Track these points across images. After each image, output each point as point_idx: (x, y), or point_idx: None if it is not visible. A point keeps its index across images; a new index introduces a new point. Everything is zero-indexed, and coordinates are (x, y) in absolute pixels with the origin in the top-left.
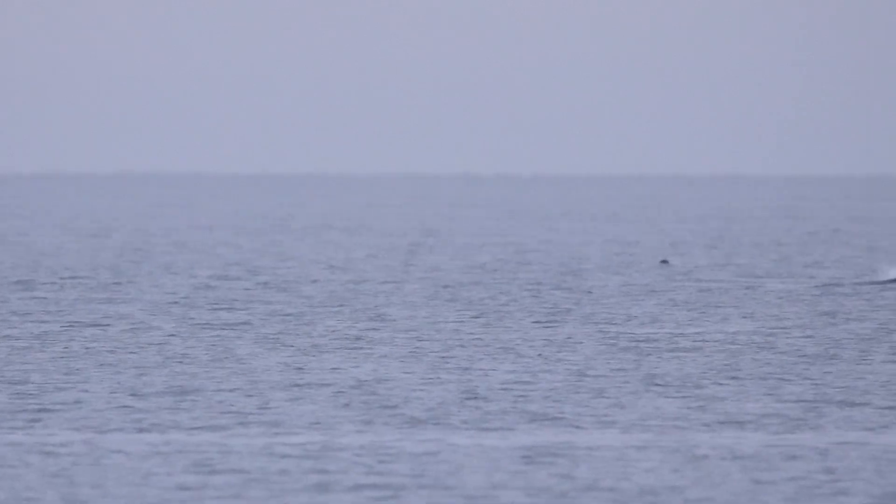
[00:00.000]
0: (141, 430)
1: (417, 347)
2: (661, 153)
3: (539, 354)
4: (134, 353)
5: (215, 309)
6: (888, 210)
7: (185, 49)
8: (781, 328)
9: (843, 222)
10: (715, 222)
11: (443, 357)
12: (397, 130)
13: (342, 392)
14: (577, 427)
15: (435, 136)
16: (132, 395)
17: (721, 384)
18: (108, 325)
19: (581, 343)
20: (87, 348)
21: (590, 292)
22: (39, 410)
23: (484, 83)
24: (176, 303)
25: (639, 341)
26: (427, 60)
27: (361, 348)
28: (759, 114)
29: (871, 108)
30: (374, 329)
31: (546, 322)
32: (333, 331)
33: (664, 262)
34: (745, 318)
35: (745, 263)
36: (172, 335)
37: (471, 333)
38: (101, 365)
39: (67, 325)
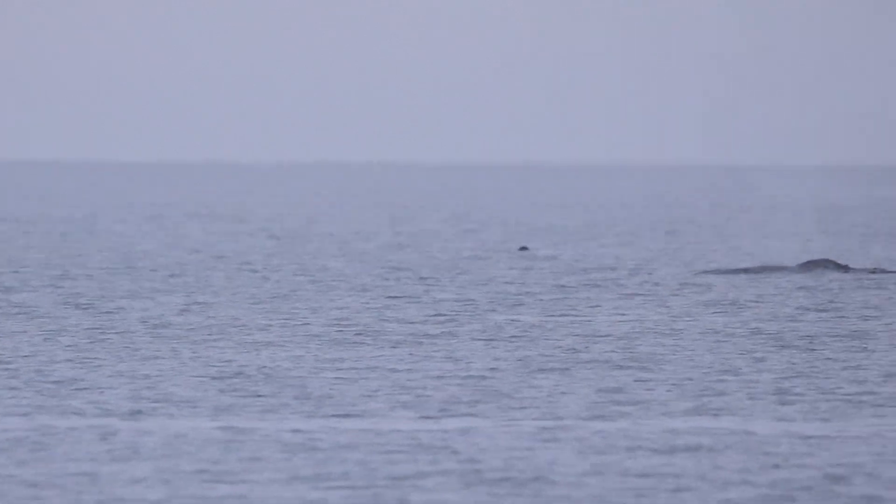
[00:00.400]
0: (21, 416)
1: (299, 335)
2: (544, 142)
3: (419, 342)
4: (17, 340)
5: (102, 297)
6: (755, 198)
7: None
8: (663, 315)
9: (707, 210)
10: (581, 211)
11: (323, 345)
12: (314, 119)
13: (227, 379)
14: (470, 415)
15: (343, 125)
16: (13, 382)
17: (611, 371)
18: None
19: (460, 330)
20: None
21: (462, 279)
22: None
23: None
24: (60, 287)
25: (519, 328)
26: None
27: (248, 335)
28: (643, 104)
29: (758, 99)
30: (258, 315)
31: (425, 311)
32: (213, 317)
33: (524, 248)
34: (624, 304)
35: (612, 252)
36: (57, 323)
37: (350, 321)
38: None
39: None
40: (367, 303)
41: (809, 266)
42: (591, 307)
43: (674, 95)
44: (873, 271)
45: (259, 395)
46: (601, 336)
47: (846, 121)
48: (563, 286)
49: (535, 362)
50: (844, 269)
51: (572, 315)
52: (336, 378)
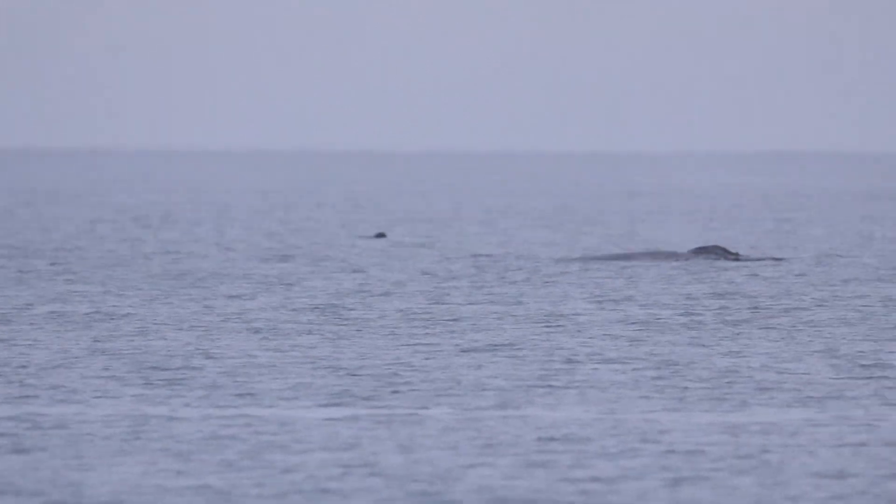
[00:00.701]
0: None
1: (171, 323)
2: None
3: (258, 330)
4: None
5: None
6: (627, 185)
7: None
8: (537, 301)
9: (569, 199)
10: (440, 197)
11: (173, 333)
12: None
13: (105, 366)
14: (342, 405)
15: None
16: None
17: (483, 360)
18: None
19: (308, 315)
20: None
21: (329, 267)
22: None
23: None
24: None
25: (390, 317)
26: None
27: (123, 323)
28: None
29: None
30: (132, 303)
31: (296, 299)
32: (87, 305)
33: (381, 235)
34: (497, 291)
35: (487, 239)
36: None
37: (220, 309)
38: None
39: None
40: (238, 291)
41: (699, 253)
42: (462, 294)
43: (558, 83)
44: (763, 259)
45: (133, 385)
46: (472, 324)
47: (714, 107)
48: (429, 274)
49: (406, 352)
50: (734, 256)
51: (442, 304)
52: (212, 366)
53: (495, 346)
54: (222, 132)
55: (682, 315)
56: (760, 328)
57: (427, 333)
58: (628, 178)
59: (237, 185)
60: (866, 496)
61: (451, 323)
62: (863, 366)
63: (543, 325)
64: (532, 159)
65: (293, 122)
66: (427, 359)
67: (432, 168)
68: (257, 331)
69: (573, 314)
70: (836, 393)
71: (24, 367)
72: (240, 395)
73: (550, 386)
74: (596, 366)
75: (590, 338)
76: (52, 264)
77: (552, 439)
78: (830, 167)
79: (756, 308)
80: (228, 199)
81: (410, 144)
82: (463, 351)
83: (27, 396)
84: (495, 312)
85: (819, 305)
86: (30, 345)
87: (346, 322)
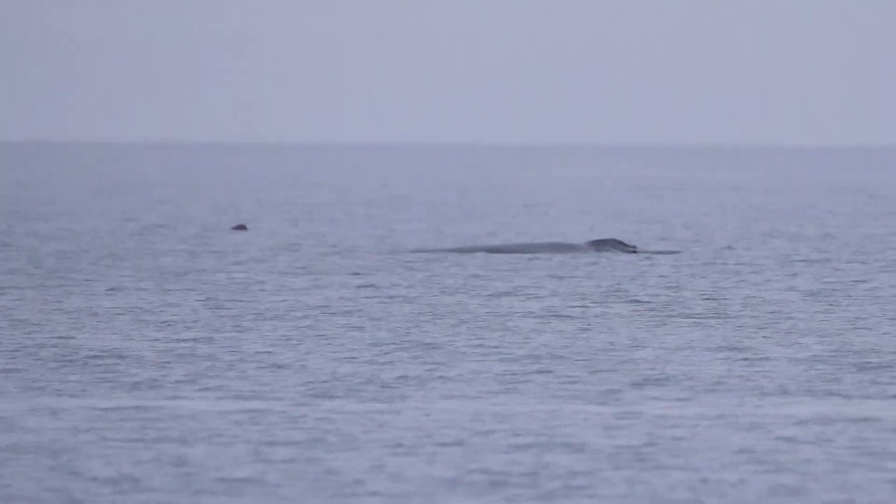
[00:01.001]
0: None
1: (62, 311)
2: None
3: (140, 322)
4: None
5: None
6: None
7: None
8: (417, 293)
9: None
10: (318, 190)
11: (53, 326)
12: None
13: (19, 360)
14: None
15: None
16: None
17: (356, 353)
18: None
19: (181, 306)
20: None
21: (199, 263)
22: None
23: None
24: None
25: (268, 310)
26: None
27: (13, 316)
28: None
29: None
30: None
31: (147, 290)
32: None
33: (240, 227)
34: (377, 281)
35: (340, 232)
36: None
37: (86, 301)
38: None
39: None
40: (118, 284)
41: (596, 245)
42: (343, 287)
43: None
44: (659, 252)
45: (13, 379)
46: (355, 318)
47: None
48: (306, 267)
49: (286, 346)
50: (632, 249)
51: (321, 297)
52: (95, 359)
53: (380, 340)
54: (117, 124)
55: (571, 307)
56: (647, 321)
57: (306, 327)
58: (510, 172)
59: (119, 177)
60: (743, 489)
61: (330, 317)
62: (747, 359)
63: (418, 317)
64: (420, 151)
65: (192, 113)
66: (309, 353)
67: (313, 159)
68: (138, 322)
69: (461, 305)
70: (719, 387)
71: None
72: (125, 387)
73: (436, 379)
74: (482, 358)
75: (477, 329)
76: None
77: (439, 433)
78: (708, 160)
79: (643, 301)
80: (109, 191)
81: (294, 136)
82: (345, 345)
83: None
84: (379, 306)
85: (706, 299)
86: None
87: (224, 316)
